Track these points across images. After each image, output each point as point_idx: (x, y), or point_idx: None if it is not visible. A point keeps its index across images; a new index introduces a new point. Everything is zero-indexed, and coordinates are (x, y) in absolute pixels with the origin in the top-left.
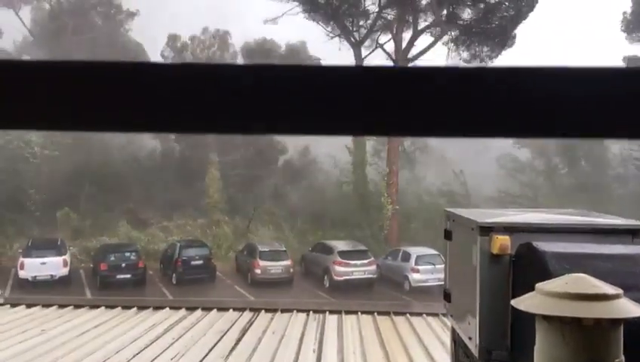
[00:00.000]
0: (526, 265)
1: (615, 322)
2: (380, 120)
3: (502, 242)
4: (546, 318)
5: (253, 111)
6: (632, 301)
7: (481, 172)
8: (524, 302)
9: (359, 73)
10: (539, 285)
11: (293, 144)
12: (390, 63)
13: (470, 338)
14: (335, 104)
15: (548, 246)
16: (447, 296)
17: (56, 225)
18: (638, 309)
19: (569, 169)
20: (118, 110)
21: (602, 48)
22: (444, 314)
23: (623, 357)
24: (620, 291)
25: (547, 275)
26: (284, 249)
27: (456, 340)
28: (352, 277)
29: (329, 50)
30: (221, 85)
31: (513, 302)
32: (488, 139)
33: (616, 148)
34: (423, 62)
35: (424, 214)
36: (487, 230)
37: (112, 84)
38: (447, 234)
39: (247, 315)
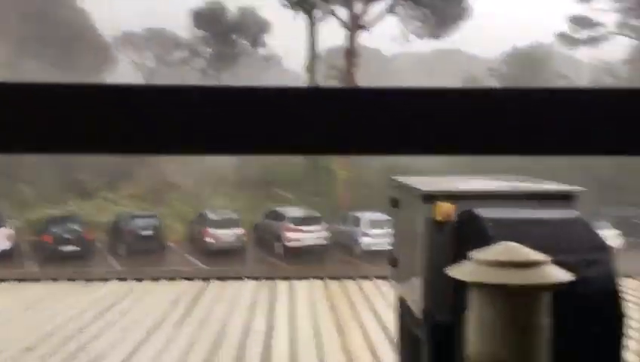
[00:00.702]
0: (468, 231)
1: (542, 288)
2: (332, 137)
3: (445, 209)
4: (477, 285)
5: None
6: (565, 264)
7: None
8: (457, 270)
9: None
10: (473, 254)
11: None
12: (344, 30)
13: (414, 302)
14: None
15: (487, 212)
16: (392, 261)
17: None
18: (563, 275)
19: None
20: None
21: (549, 7)
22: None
23: (548, 321)
24: (548, 258)
25: (487, 240)
26: (236, 216)
27: (401, 304)
28: (304, 243)
29: (283, 16)
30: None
31: (448, 270)
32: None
33: None
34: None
35: (375, 180)
36: (431, 198)
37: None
38: (393, 202)
39: (198, 284)
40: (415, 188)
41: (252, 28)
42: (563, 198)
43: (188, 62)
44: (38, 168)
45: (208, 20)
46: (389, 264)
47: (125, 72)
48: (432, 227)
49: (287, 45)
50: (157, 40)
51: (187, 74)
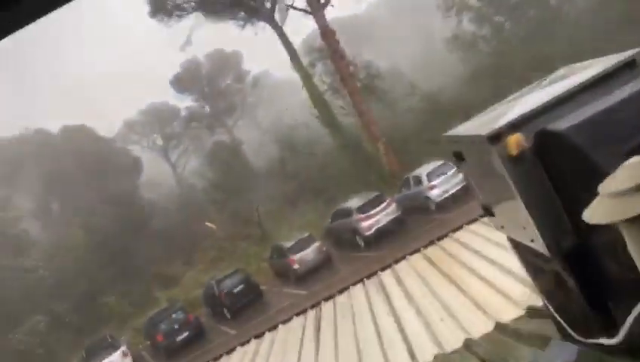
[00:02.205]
0: (551, 150)
1: None
2: None
3: (516, 141)
4: (630, 220)
5: None
6: None
7: (440, 68)
8: (595, 213)
9: None
10: (603, 187)
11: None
12: (310, 17)
13: (533, 241)
14: None
15: (560, 122)
16: (487, 211)
17: (102, 321)
18: None
19: (513, 21)
20: None
21: None
22: (481, 216)
23: None
24: None
25: (575, 150)
26: (308, 233)
27: (516, 245)
28: (380, 225)
29: (248, 39)
30: None
31: (585, 217)
32: None
33: None
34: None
35: (412, 132)
36: (496, 137)
37: None
38: (458, 156)
39: (311, 313)
40: (475, 135)
41: (228, 67)
42: (624, 69)
43: (191, 122)
44: (113, 278)
45: (189, 80)
46: (485, 214)
47: (141, 154)
48: (512, 164)
49: (266, 57)
50: (156, 118)
51: (200, 134)
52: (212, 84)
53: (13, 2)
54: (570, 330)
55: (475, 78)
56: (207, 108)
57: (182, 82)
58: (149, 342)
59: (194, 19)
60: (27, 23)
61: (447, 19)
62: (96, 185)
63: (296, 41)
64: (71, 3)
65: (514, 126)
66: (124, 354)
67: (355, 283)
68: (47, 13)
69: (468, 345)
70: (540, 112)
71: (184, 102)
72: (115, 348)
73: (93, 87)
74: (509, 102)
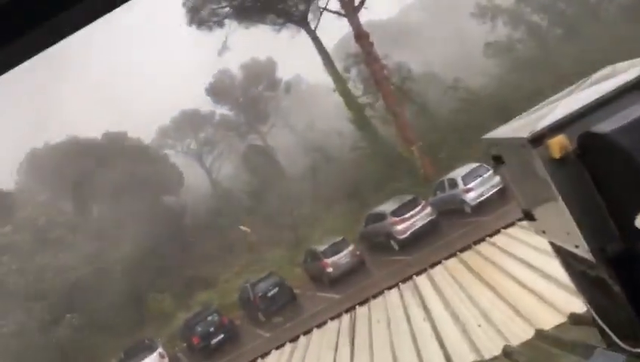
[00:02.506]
0: (595, 153)
1: None
2: None
3: (559, 143)
4: None
5: None
6: None
7: (476, 69)
8: None
9: None
10: None
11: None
12: (342, 20)
13: (577, 246)
14: None
15: (605, 124)
16: (529, 216)
17: (139, 322)
18: None
19: (549, 23)
20: None
21: None
22: (519, 220)
23: None
24: None
25: (621, 153)
26: (342, 237)
27: (558, 250)
28: (415, 228)
29: (281, 44)
30: None
31: (638, 224)
32: None
33: None
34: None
35: (446, 135)
36: (537, 139)
37: None
38: (497, 159)
39: (346, 317)
40: (516, 138)
41: (262, 75)
42: None
43: (225, 129)
44: (151, 280)
45: (223, 92)
46: (526, 219)
47: (178, 161)
48: (554, 167)
49: (299, 62)
50: (190, 123)
51: (233, 138)
52: (246, 93)
53: (58, 12)
54: (615, 339)
55: (513, 78)
56: (242, 117)
57: (216, 93)
58: (185, 344)
59: (229, 25)
60: (67, 35)
61: (482, 25)
62: (137, 190)
63: (329, 45)
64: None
65: (557, 128)
66: (161, 356)
67: (389, 288)
68: (87, 24)
69: (507, 352)
70: (583, 114)
71: (218, 109)
72: (152, 349)
73: (131, 94)
74: (551, 104)
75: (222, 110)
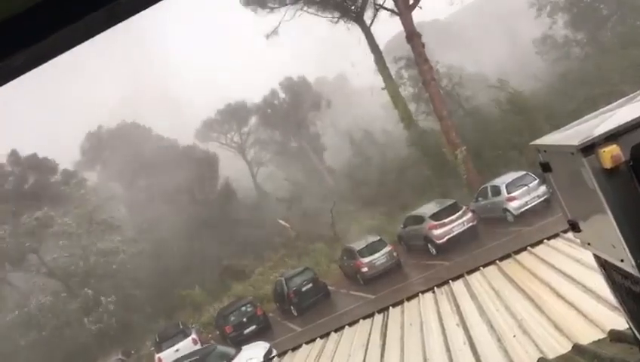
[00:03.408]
0: None
1: None
2: None
3: (611, 153)
4: None
5: None
6: None
7: (527, 74)
8: None
9: None
10: None
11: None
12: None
13: (622, 260)
14: None
15: None
16: (574, 227)
17: (174, 308)
18: None
19: (613, 23)
20: None
21: None
22: (564, 232)
23: None
24: None
25: None
26: (379, 237)
27: (602, 263)
28: (454, 233)
29: (333, 38)
30: None
31: None
32: None
33: None
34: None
35: (493, 140)
36: (589, 148)
37: None
38: (545, 167)
39: (378, 317)
40: (566, 145)
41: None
42: None
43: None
44: (188, 268)
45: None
46: (572, 230)
47: (221, 153)
48: (604, 178)
49: (346, 62)
50: (233, 117)
51: (274, 136)
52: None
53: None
54: None
55: (565, 84)
56: (287, 114)
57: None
58: (218, 332)
59: (284, 12)
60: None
61: (537, 19)
62: (181, 179)
63: (380, 44)
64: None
65: (609, 137)
66: (194, 342)
67: (424, 291)
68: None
69: None
70: (638, 125)
71: (264, 104)
72: (186, 335)
73: (177, 86)
74: (604, 113)
75: (267, 106)
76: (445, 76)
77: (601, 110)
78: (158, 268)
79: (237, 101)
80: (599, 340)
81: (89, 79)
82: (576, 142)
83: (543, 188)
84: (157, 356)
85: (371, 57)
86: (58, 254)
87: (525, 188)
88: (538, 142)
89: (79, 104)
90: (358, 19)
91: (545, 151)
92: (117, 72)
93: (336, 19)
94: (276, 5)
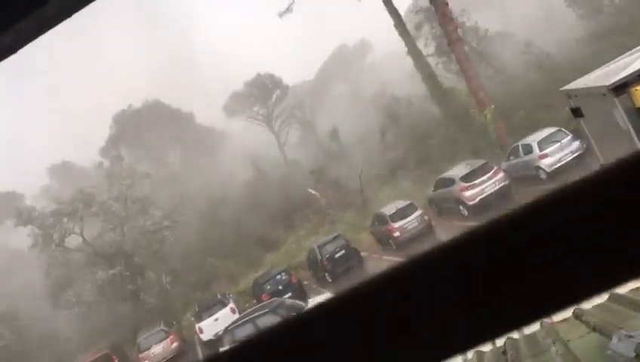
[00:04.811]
0: None
1: None
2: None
3: None
4: None
5: None
6: None
7: (556, 29)
8: None
9: None
10: None
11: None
12: None
13: None
14: None
15: None
16: None
17: (212, 279)
18: None
19: None
20: None
21: None
22: None
23: None
24: None
25: None
26: (410, 201)
27: None
28: (486, 194)
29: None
30: None
31: None
32: None
33: None
34: None
35: (522, 99)
36: (620, 88)
37: None
38: (577, 112)
39: None
40: (597, 87)
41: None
42: None
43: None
44: (222, 240)
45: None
46: None
47: (248, 125)
48: (637, 117)
49: (369, 25)
50: (260, 90)
51: (300, 106)
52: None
53: None
54: None
55: (595, 39)
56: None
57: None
58: (254, 301)
59: None
60: None
61: None
62: (212, 155)
63: (402, 7)
64: None
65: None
66: (232, 311)
67: None
68: None
69: (577, 314)
70: None
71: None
72: (224, 304)
73: (199, 62)
74: (633, 54)
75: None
76: (472, 32)
77: (630, 52)
78: (196, 244)
79: (265, 73)
80: (637, 288)
81: (114, 58)
82: (607, 82)
83: (576, 144)
84: (197, 325)
85: (391, 22)
86: (98, 233)
87: (558, 144)
88: (568, 87)
89: (105, 81)
90: None
91: (575, 95)
92: (144, 51)
93: None
94: None
